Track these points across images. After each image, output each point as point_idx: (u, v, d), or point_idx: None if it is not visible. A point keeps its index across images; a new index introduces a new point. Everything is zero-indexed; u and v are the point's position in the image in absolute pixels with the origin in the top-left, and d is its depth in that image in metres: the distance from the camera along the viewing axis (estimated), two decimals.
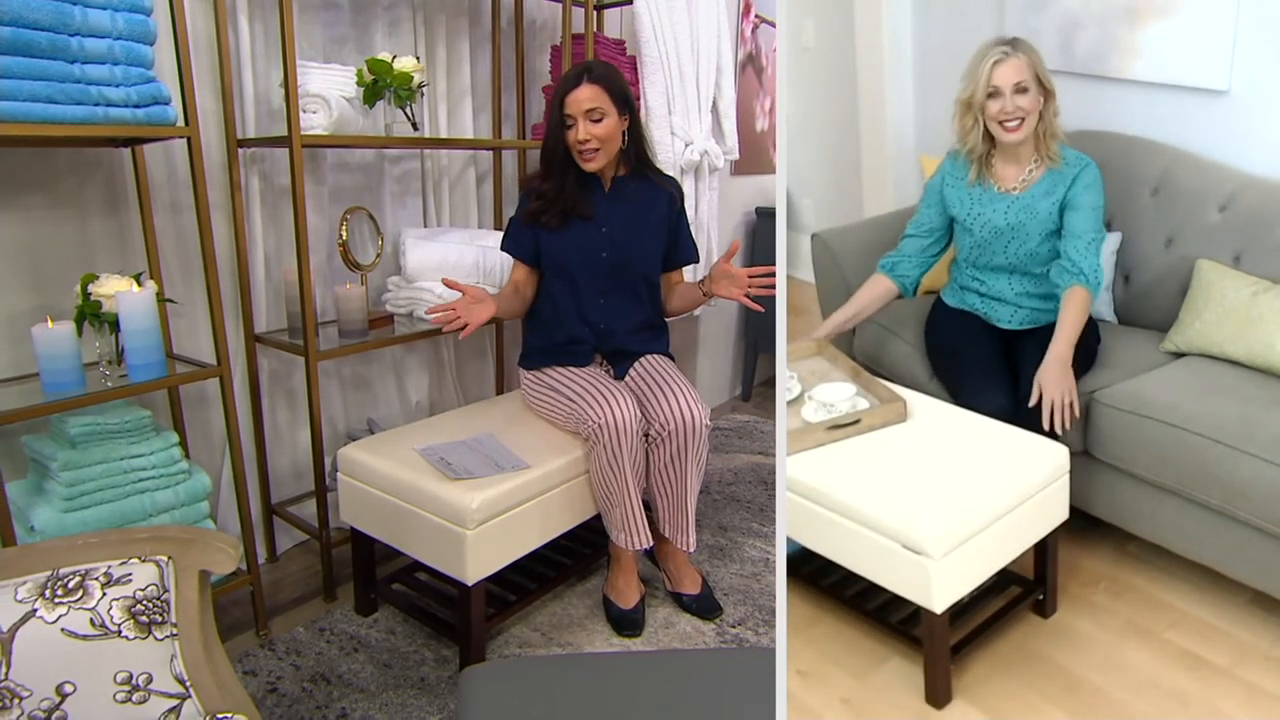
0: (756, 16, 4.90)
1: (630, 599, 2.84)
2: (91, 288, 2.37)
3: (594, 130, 2.77)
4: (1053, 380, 2.39)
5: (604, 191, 2.94)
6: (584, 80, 2.77)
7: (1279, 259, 2.51)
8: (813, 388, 2.48)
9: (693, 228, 3.83)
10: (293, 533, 3.27)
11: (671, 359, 3.07)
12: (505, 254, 3.00)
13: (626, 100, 2.84)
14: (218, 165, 2.85)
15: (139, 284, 2.39)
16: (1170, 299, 2.71)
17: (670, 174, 3.60)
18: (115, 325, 2.39)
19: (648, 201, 2.97)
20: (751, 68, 4.95)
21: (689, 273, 3.39)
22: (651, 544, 2.80)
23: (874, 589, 2.21)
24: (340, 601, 2.92)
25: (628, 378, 2.97)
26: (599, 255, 2.90)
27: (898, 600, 2.17)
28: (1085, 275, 2.52)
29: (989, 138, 2.61)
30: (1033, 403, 2.41)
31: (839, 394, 2.42)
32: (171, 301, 2.67)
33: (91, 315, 2.37)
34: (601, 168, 2.88)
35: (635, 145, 2.93)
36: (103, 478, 2.35)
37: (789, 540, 2.24)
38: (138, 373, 2.38)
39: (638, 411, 2.72)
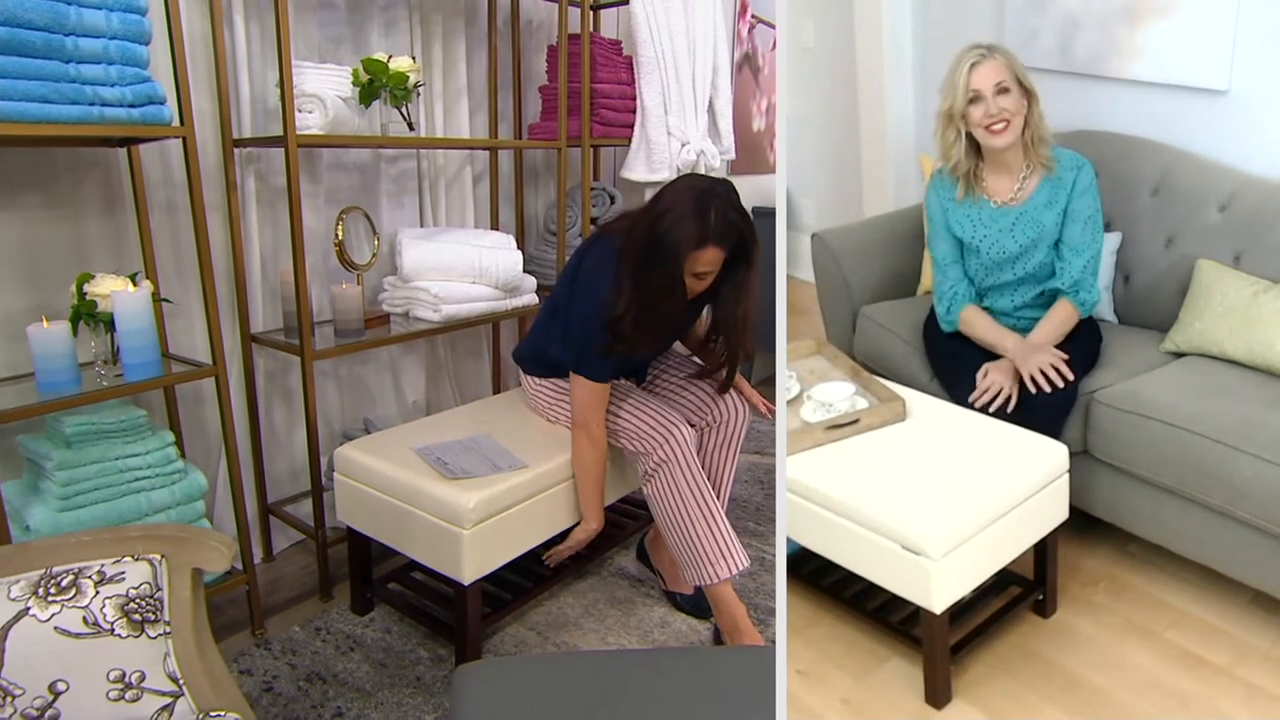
0: (753, 17, 4.90)
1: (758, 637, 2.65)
2: (87, 287, 2.36)
3: (697, 287, 2.52)
4: (999, 368, 2.49)
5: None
6: (710, 242, 2.41)
7: (1279, 259, 2.50)
8: (812, 387, 2.47)
9: None
10: (289, 532, 3.26)
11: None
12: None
13: (748, 256, 2.51)
14: (214, 165, 2.84)
15: (134, 283, 2.38)
16: (1170, 299, 2.69)
17: (665, 176, 3.61)
18: (111, 325, 2.39)
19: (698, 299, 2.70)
20: (748, 68, 4.94)
21: None
22: (748, 560, 2.65)
23: (874, 589, 2.19)
24: (336, 601, 2.91)
25: (651, 380, 2.97)
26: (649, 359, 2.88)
27: (897, 600, 2.15)
28: (1080, 294, 2.54)
29: (974, 151, 2.56)
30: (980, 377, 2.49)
31: (838, 393, 2.41)
32: (167, 301, 2.66)
33: (87, 315, 2.37)
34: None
35: (746, 309, 2.62)
36: (98, 477, 2.34)
37: (788, 540, 2.23)
38: (133, 372, 2.38)
39: (689, 426, 2.66)
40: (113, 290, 2.34)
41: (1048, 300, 2.63)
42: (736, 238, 2.45)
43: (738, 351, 2.70)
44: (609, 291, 2.54)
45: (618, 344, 2.56)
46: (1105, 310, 2.87)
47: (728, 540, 2.61)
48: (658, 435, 2.61)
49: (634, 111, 3.77)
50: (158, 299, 2.52)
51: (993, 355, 2.59)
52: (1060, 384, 2.40)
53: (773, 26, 5.04)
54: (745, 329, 2.64)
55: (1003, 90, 2.43)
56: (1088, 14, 2.89)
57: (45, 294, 2.55)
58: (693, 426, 2.76)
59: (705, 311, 2.80)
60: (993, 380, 2.47)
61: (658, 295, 2.49)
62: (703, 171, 3.91)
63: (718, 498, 2.81)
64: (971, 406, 2.47)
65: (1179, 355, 2.61)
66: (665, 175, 3.66)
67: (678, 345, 3.03)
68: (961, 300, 2.67)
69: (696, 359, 2.96)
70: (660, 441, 2.60)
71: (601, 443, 2.65)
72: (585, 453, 2.65)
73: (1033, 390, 2.42)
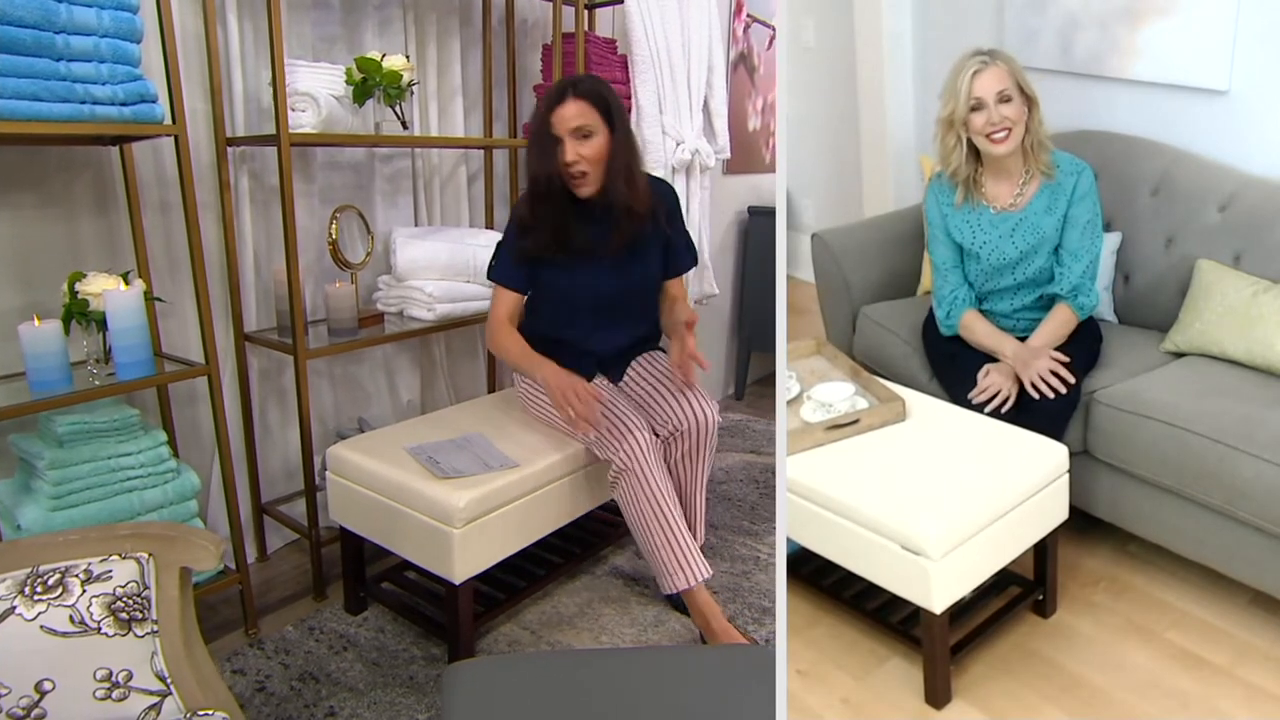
0: (748, 16, 4.89)
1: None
2: (79, 286, 2.35)
3: (582, 150, 2.63)
4: (1000, 370, 2.48)
5: (599, 215, 2.75)
6: (569, 95, 2.63)
7: (1279, 259, 2.49)
8: (812, 387, 2.46)
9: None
10: (283, 532, 3.25)
11: (663, 351, 3.04)
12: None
13: (616, 114, 2.68)
14: (207, 164, 2.82)
15: (126, 282, 2.37)
16: (1170, 299, 2.69)
17: (660, 175, 3.59)
18: (102, 324, 2.37)
19: (644, 218, 2.79)
20: (744, 67, 4.93)
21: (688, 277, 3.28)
22: (709, 571, 2.66)
23: (874, 589, 2.18)
24: (330, 600, 2.90)
25: (628, 381, 2.94)
26: (600, 287, 2.80)
27: (897, 600, 2.14)
28: (1079, 299, 2.53)
29: (974, 157, 2.54)
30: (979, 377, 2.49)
31: (838, 393, 2.40)
32: (159, 300, 2.64)
33: (79, 314, 2.35)
34: (594, 192, 2.70)
35: (626, 161, 2.72)
36: (90, 476, 2.33)
37: (788, 540, 2.22)
38: (125, 371, 2.36)
39: (652, 434, 2.67)
40: (104, 289, 2.32)
41: (1046, 303, 2.62)
42: (596, 94, 2.65)
43: (629, 205, 2.73)
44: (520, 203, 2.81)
45: (524, 238, 2.75)
46: (1105, 310, 2.86)
47: (685, 551, 2.63)
48: (615, 440, 2.62)
49: (628, 111, 3.75)
50: (150, 298, 2.50)
51: (990, 357, 2.58)
52: (1062, 389, 2.39)
53: (768, 26, 5.04)
54: (631, 183, 2.72)
55: (1005, 99, 2.41)
56: (1088, 14, 2.88)
57: (38, 293, 2.53)
58: (658, 435, 2.75)
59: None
60: (993, 381, 2.46)
61: (540, 162, 2.67)
62: (698, 173, 3.90)
63: (694, 505, 2.84)
64: (971, 406, 2.46)
65: (1179, 355, 2.60)
66: (659, 174, 3.64)
67: (667, 356, 3.00)
68: (961, 305, 2.66)
69: (677, 369, 2.91)
70: (617, 447, 2.62)
71: (500, 341, 2.85)
72: (499, 354, 2.90)
73: (1035, 396, 2.40)
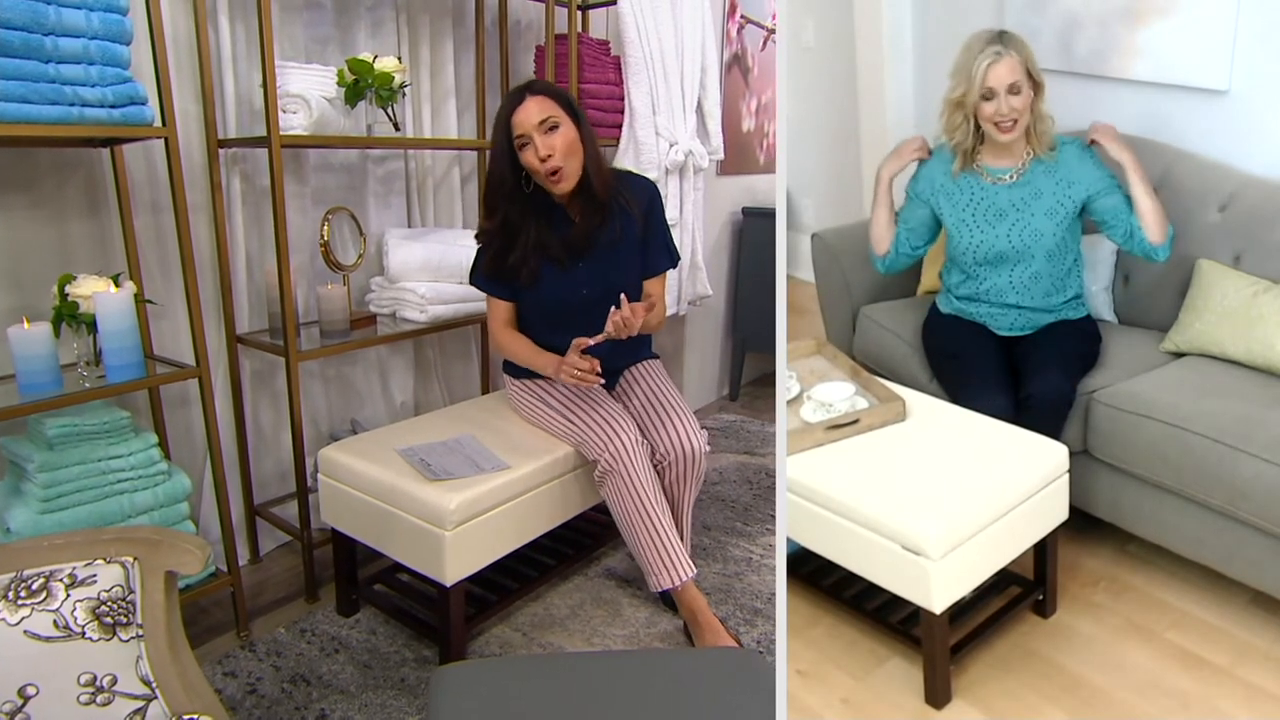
0: (742, 17, 4.88)
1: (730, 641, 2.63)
2: (69, 288, 2.33)
3: (554, 142, 2.55)
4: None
5: (572, 223, 2.72)
6: (526, 95, 2.57)
7: (1279, 259, 2.49)
8: (812, 387, 2.45)
9: (677, 228, 3.78)
10: (275, 534, 3.23)
11: (657, 358, 3.02)
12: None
13: (576, 109, 2.64)
14: (199, 166, 2.81)
15: (117, 284, 2.35)
16: (1170, 299, 2.68)
17: (653, 176, 3.56)
18: (93, 326, 2.36)
19: (619, 220, 2.74)
20: (737, 68, 4.92)
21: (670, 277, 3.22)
22: (694, 571, 2.66)
23: (873, 589, 2.18)
24: (322, 602, 2.88)
25: (620, 391, 2.92)
26: (580, 294, 2.74)
27: (897, 600, 2.14)
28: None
29: (977, 133, 2.57)
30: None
31: (838, 394, 2.40)
32: (150, 302, 2.62)
33: (69, 316, 2.33)
34: (571, 188, 2.63)
35: (595, 151, 2.67)
36: (80, 479, 2.32)
37: (788, 540, 2.21)
38: (115, 374, 2.35)
39: (640, 434, 2.67)
40: (94, 291, 2.31)
41: (1048, 287, 2.62)
42: (552, 90, 2.64)
43: (595, 192, 2.69)
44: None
45: (489, 248, 2.75)
46: (1105, 310, 2.86)
47: (671, 550, 2.63)
48: (601, 440, 2.62)
49: (622, 112, 3.74)
50: (141, 300, 2.49)
51: (989, 357, 2.57)
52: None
53: (762, 27, 5.03)
54: (601, 173, 2.69)
55: (1015, 90, 2.45)
56: (1088, 13, 2.88)
57: (29, 295, 2.51)
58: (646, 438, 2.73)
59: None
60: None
61: (500, 168, 2.62)
62: (691, 174, 3.88)
63: (680, 525, 2.81)
64: (972, 406, 2.44)
65: (1179, 355, 2.60)
66: (653, 175, 3.62)
67: (659, 368, 2.98)
68: (903, 260, 2.79)
69: (679, 398, 2.86)
70: (603, 446, 2.61)
71: (505, 345, 2.86)
72: (505, 354, 2.91)
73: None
